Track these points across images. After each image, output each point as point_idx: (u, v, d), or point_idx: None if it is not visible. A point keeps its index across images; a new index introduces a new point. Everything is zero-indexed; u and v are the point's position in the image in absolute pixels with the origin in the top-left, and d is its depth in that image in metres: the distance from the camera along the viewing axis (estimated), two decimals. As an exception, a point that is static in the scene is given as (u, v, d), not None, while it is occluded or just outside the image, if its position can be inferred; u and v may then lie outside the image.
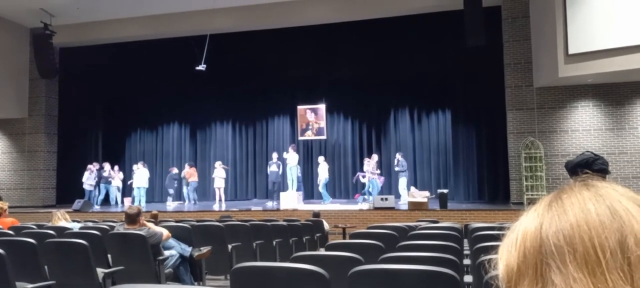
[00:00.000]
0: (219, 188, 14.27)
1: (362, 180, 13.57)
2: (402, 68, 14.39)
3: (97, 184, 14.68)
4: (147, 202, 14.60)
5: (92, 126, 16.73)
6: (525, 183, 12.19)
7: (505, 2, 12.86)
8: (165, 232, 5.24)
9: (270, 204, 13.72)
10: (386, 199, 11.90)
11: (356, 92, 15.29)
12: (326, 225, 9.03)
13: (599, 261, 0.49)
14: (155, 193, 16.57)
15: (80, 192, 14.76)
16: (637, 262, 0.48)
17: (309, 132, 14.93)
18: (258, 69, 15.24)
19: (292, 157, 14.05)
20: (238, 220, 7.94)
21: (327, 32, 14.21)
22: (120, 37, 14.95)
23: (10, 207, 7.71)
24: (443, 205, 11.57)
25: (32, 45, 14.94)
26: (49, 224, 6.67)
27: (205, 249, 5.58)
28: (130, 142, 17.42)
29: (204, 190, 15.89)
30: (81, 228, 5.98)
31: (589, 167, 4.41)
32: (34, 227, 6.28)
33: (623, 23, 9.90)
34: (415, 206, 11.50)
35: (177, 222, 7.32)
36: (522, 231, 0.56)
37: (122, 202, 14.53)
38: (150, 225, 5.40)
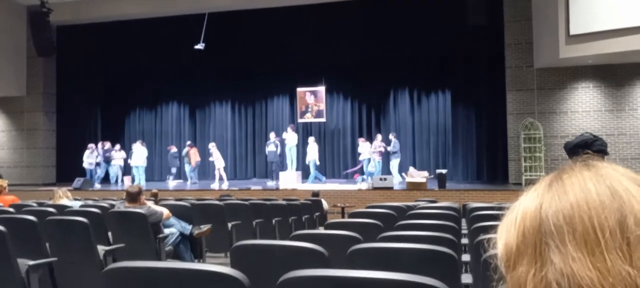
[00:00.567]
0: (219, 169, 14.24)
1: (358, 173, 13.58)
2: (402, 48, 14.28)
3: (98, 163, 14.68)
4: (147, 180, 14.63)
5: (91, 105, 16.68)
6: (524, 164, 12.22)
7: (507, -18, 12.74)
8: (166, 211, 5.26)
9: (270, 183, 13.76)
10: (385, 179, 11.94)
11: (356, 73, 15.20)
12: (325, 205, 9.07)
13: (598, 241, 0.49)
14: (154, 172, 16.60)
15: (80, 171, 14.78)
16: (636, 242, 0.49)
17: (308, 114, 14.90)
18: (257, 49, 15.14)
19: (291, 137, 14.04)
20: (238, 199, 7.98)
21: (327, 11, 14.08)
22: (118, 15, 14.81)
23: (10, 185, 7.73)
24: (441, 185, 11.62)
25: (29, 23, 14.81)
26: (50, 202, 6.69)
27: (205, 227, 5.62)
28: (129, 121, 17.39)
29: (204, 169, 15.92)
30: (81, 206, 6.00)
31: (588, 147, 4.42)
32: (35, 204, 6.31)
33: (625, 4, 9.82)
34: (413, 186, 11.55)
35: (177, 200, 7.35)
36: (522, 211, 0.56)
37: (122, 180, 14.56)
38: (150, 203, 5.43)
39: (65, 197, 6.58)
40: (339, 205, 10.54)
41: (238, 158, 16.72)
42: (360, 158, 13.92)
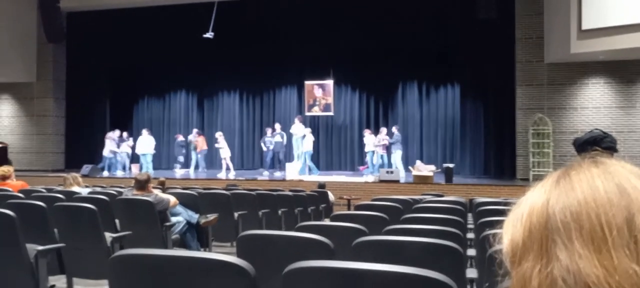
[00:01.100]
0: (225, 158, 14.27)
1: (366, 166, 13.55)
2: (412, 41, 14.19)
3: (115, 152, 14.71)
4: (154, 169, 14.70)
5: (100, 92, 16.74)
6: (532, 159, 12.15)
7: (519, -25, 12.60)
8: (173, 199, 5.30)
9: (277, 174, 13.78)
10: (391, 172, 11.93)
11: (364, 65, 15.15)
12: (331, 197, 9.09)
13: (606, 238, 0.49)
14: (162, 160, 16.68)
15: (89, 157, 14.87)
16: (643, 240, 0.48)
17: (316, 108, 14.89)
18: (266, 39, 15.10)
19: (298, 129, 14.04)
20: (244, 189, 8.01)
21: (335, 2, 14.02)
22: (128, 3, 14.83)
23: (19, 171, 7.80)
24: (448, 180, 11.59)
25: (39, 9, 14.87)
26: (60, 188, 6.74)
27: (211, 216, 5.65)
28: (137, 109, 17.47)
29: (211, 158, 15.97)
30: (90, 193, 6.05)
31: (598, 144, 4.38)
32: (44, 190, 6.36)
33: (639, -1, 9.69)
34: (420, 179, 11.53)
35: (184, 189, 7.39)
36: (529, 206, 0.56)
37: (130, 168, 14.64)
38: (158, 192, 5.46)
39: (76, 185, 6.60)
40: (345, 197, 10.55)
41: (245, 147, 16.76)
42: (366, 150, 13.87)
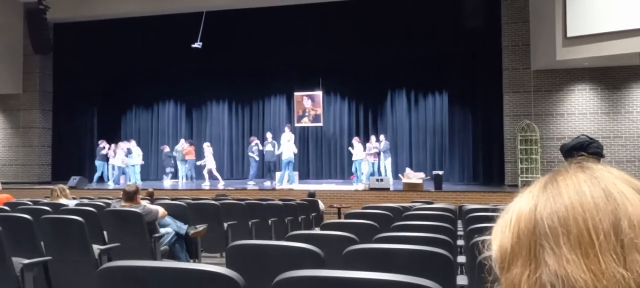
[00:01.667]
0: (209, 169, 14.06)
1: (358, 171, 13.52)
2: (400, 49, 14.29)
3: (106, 159, 14.56)
4: (143, 179, 14.59)
5: (87, 103, 16.61)
6: (520, 165, 12.25)
7: (505, -16, 12.76)
8: (161, 210, 5.25)
9: (267, 183, 13.73)
10: (381, 180, 11.95)
11: (353, 74, 15.22)
12: (321, 205, 9.08)
13: (593, 243, 0.49)
14: (150, 171, 16.56)
15: (76, 169, 14.71)
16: (630, 244, 0.49)
17: (305, 119, 14.90)
18: (254, 48, 15.11)
19: (288, 137, 14.00)
20: (234, 199, 7.97)
21: (324, 11, 14.07)
22: (115, 13, 14.75)
23: (5, 183, 7.70)
24: (438, 187, 11.63)
25: (26, 20, 14.74)
26: (46, 200, 6.65)
27: (201, 227, 5.60)
28: (125, 119, 17.35)
29: (199, 168, 15.87)
30: (77, 205, 5.98)
31: (584, 150, 4.42)
32: (30, 203, 6.28)
33: (622, 6, 9.85)
34: (410, 187, 11.56)
35: (172, 199, 7.34)
36: (517, 212, 0.56)
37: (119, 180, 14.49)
38: (146, 203, 5.42)
39: (63, 197, 6.52)
40: (335, 205, 10.54)
41: (234, 157, 16.70)
42: (353, 158, 13.84)
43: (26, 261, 3.30)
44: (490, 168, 13.57)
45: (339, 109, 15.91)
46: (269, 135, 14.35)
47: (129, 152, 14.20)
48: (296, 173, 14.11)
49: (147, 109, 17.28)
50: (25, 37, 15.00)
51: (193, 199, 7.56)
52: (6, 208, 5.19)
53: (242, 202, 6.92)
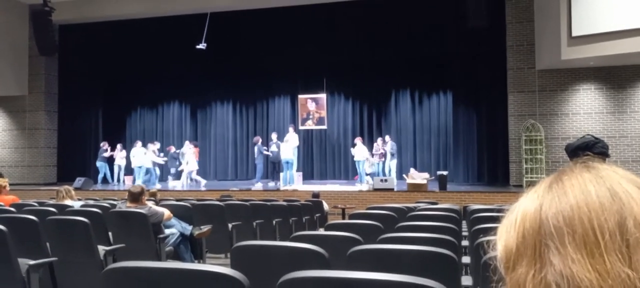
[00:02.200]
0: (190, 171, 13.96)
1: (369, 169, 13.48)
2: (404, 50, 14.28)
3: (108, 161, 14.62)
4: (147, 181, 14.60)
5: (92, 104, 16.68)
6: (525, 166, 12.20)
7: (509, -17, 12.73)
8: (167, 212, 5.26)
9: (271, 184, 13.74)
10: (385, 180, 11.94)
11: (357, 74, 15.21)
12: (326, 206, 9.08)
13: (598, 243, 0.49)
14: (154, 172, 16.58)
15: (81, 170, 14.76)
16: (635, 244, 0.49)
17: (309, 122, 14.89)
18: (259, 49, 15.13)
19: (292, 138, 14.01)
20: (238, 200, 7.98)
21: (329, 12, 14.09)
22: (120, 15, 14.82)
23: (11, 185, 7.72)
24: (442, 187, 11.60)
25: (31, 22, 14.82)
26: (52, 201, 6.68)
27: (205, 228, 5.61)
28: (130, 120, 17.40)
29: (203, 169, 15.91)
30: (82, 206, 6.00)
31: (590, 149, 4.40)
32: (36, 204, 6.31)
33: (627, 5, 9.81)
34: (414, 187, 11.54)
35: (177, 200, 7.35)
36: (522, 212, 0.56)
37: (123, 181, 14.55)
38: (151, 204, 5.43)
39: (68, 198, 6.54)
40: (339, 206, 10.54)
41: (239, 158, 16.72)
42: (355, 159, 13.82)
43: (32, 262, 3.32)
44: (494, 169, 13.53)
45: (343, 110, 15.90)
46: (274, 136, 14.36)
47: (159, 152, 14.33)
48: (299, 174, 14.10)
49: (151, 110, 17.33)
50: (30, 38, 15.07)
51: (197, 200, 7.58)
52: (12, 209, 5.21)
53: (247, 203, 6.93)
